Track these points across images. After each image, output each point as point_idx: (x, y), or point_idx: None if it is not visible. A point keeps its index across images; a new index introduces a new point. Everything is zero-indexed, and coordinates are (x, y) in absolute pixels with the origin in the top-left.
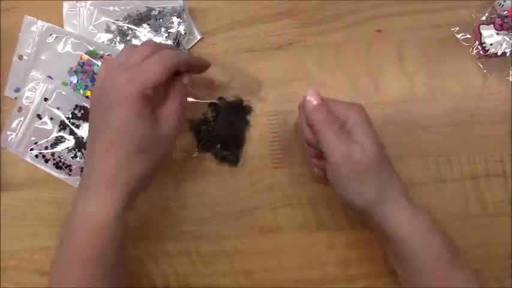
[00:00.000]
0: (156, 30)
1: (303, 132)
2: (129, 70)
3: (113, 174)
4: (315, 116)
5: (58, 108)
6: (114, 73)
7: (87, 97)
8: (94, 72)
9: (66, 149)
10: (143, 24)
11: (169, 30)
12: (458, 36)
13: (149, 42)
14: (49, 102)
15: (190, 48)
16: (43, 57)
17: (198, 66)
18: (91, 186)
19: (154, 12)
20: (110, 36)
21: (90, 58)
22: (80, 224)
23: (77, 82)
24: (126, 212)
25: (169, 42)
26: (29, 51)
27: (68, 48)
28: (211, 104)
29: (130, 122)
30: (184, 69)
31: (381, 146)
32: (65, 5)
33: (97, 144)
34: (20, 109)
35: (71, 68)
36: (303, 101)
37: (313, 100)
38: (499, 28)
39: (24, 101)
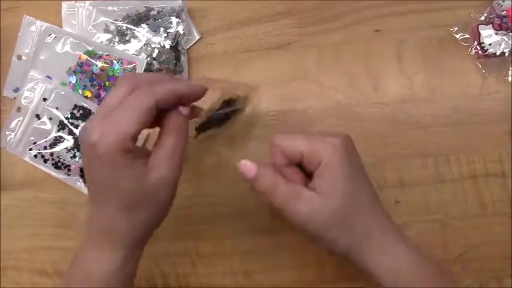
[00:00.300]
0: (154, 30)
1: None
2: (102, 122)
3: (107, 231)
4: (257, 187)
5: (57, 108)
6: (89, 128)
7: (86, 97)
8: (93, 72)
9: (65, 149)
10: (142, 24)
11: (168, 30)
12: (457, 36)
13: (127, 77)
14: (48, 102)
15: (189, 48)
16: (42, 57)
17: (193, 95)
18: (89, 238)
19: (153, 12)
20: (109, 36)
21: (89, 58)
22: (78, 274)
23: (76, 82)
24: (129, 262)
25: (168, 42)
26: (27, 51)
27: (67, 48)
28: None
29: (112, 179)
30: (174, 101)
31: (355, 186)
32: (64, 5)
33: (90, 199)
34: (19, 109)
35: (70, 68)
36: (240, 171)
37: (249, 171)
38: (498, 28)
39: (23, 101)
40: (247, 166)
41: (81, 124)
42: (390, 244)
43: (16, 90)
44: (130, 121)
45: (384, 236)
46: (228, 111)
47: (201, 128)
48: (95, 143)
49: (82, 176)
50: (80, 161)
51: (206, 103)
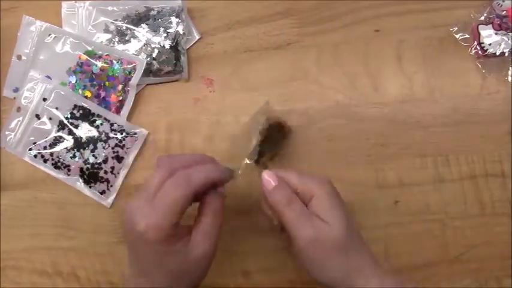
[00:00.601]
0: (154, 30)
1: (263, 209)
2: (147, 213)
3: None
4: (273, 198)
5: (57, 108)
6: (135, 218)
7: (86, 97)
8: (93, 72)
9: (65, 149)
10: (142, 24)
11: (168, 30)
12: (457, 36)
13: (164, 161)
14: (48, 102)
15: (188, 48)
16: (42, 57)
17: (225, 179)
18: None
19: (153, 12)
20: (109, 36)
21: (88, 58)
22: None
23: (76, 82)
24: None
25: (168, 42)
26: (27, 51)
27: (67, 48)
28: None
29: (159, 262)
30: (211, 184)
31: (349, 220)
32: (64, 5)
33: (135, 272)
34: (18, 109)
35: (70, 68)
36: (262, 180)
37: (271, 181)
38: (498, 28)
39: (23, 101)
40: (271, 176)
41: (81, 124)
42: (378, 274)
43: (16, 90)
44: (172, 212)
45: (373, 267)
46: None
47: (259, 157)
48: (142, 233)
49: (82, 176)
50: (80, 161)
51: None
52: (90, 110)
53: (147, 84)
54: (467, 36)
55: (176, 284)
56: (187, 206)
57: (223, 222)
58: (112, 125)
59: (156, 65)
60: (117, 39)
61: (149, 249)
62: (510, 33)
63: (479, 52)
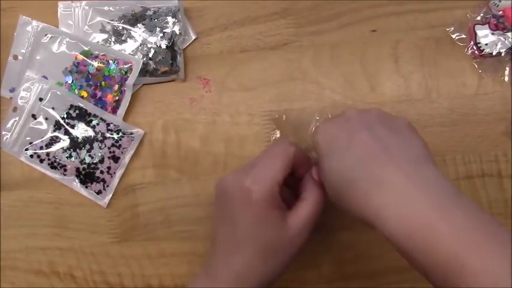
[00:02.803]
0: (151, 30)
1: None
2: (251, 171)
3: (237, 272)
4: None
5: (53, 108)
6: (237, 176)
7: (82, 97)
8: (89, 72)
9: (61, 149)
10: (138, 24)
11: (164, 30)
12: (454, 36)
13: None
14: (44, 102)
15: (185, 48)
16: (38, 57)
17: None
18: (213, 274)
19: (149, 12)
20: (105, 36)
21: (85, 58)
22: None
23: (72, 82)
24: None
25: (165, 42)
26: (24, 51)
27: (63, 48)
28: None
29: (257, 225)
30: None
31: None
32: (60, 5)
33: (221, 238)
34: (15, 109)
35: (66, 68)
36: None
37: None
38: (494, 28)
39: (19, 101)
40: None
41: (77, 124)
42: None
43: (12, 90)
44: (279, 167)
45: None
46: None
47: None
48: (249, 187)
49: (78, 176)
50: (76, 161)
51: None
52: (86, 110)
53: (144, 84)
54: (463, 36)
55: (269, 260)
56: (290, 169)
57: (321, 210)
58: (108, 125)
59: (152, 65)
60: (113, 39)
61: (251, 210)
62: (507, 33)
63: (476, 52)
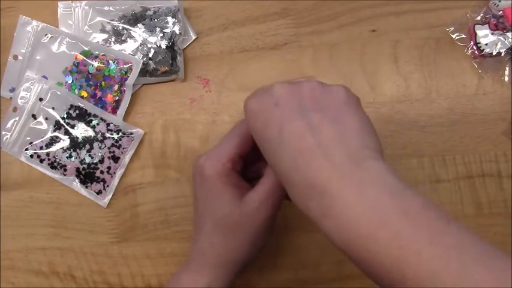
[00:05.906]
0: (151, 30)
1: None
2: (211, 150)
3: (202, 252)
4: None
5: (53, 108)
6: (202, 155)
7: (82, 97)
8: (89, 72)
9: (61, 149)
10: (138, 24)
11: (164, 30)
12: (453, 36)
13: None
14: (44, 102)
15: (185, 48)
16: (38, 57)
17: None
18: (189, 253)
19: (149, 12)
20: (105, 36)
21: (85, 58)
22: None
23: (72, 82)
24: (220, 285)
25: (165, 42)
26: (24, 51)
27: (63, 48)
28: None
29: (211, 201)
30: None
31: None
32: (60, 4)
33: (194, 217)
34: (15, 109)
35: (66, 68)
36: None
37: None
38: (494, 28)
39: (19, 101)
40: None
41: (77, 124)
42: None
43: (12, 90)
44: (232, 144)
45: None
46: None
47: None
48: (203, 163)
49: (78, 176)
50: (76, 161)
51: None
52: (86, 110)
53: (144, 84)
54: (463, 36)
55: (228, 235)
56: (246, 145)
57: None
58: (108, 125)
59: (152, 65)
60: (113, 39)
61: (204, 185)
62: (507, 33)
63: (476, 52)
